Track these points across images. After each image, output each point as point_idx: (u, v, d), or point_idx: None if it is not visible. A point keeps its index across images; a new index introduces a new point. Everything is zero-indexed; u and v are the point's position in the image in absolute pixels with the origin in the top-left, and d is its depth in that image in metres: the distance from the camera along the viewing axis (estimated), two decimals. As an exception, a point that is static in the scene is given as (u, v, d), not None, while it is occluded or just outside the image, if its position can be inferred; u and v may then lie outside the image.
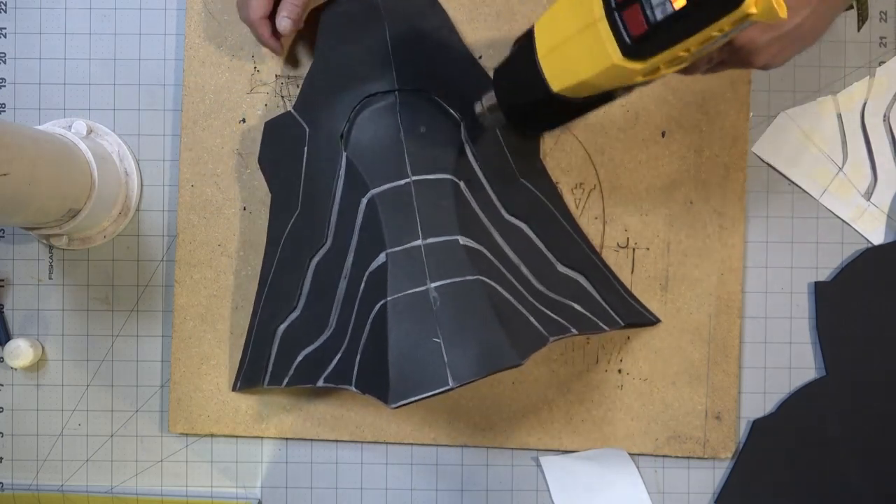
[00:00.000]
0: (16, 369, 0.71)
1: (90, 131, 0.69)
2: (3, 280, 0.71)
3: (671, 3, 0.44)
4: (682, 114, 0.70)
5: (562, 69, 0.50)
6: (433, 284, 0.59)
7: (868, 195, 0.71)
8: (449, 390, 0.56)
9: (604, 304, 0.66)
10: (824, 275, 0.71)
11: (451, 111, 0.64)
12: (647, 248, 0.70)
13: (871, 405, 0.69)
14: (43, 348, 0.71)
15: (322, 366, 0.64)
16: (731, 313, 0.70)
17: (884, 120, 0.70)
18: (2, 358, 0.71)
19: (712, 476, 0.71)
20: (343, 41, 0.66)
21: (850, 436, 0.69)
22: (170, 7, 0.71)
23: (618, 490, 0.69)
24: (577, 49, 0.48)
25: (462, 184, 0.63)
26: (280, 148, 0.68)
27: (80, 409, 0.71)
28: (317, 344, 0.65)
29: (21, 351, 0.69)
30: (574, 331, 0.63)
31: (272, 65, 0.70)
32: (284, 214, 0.67)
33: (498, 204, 0.65)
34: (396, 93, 0.63)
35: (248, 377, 0.67)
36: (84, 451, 0.71)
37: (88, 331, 0.71)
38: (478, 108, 0.59)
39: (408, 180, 0.61)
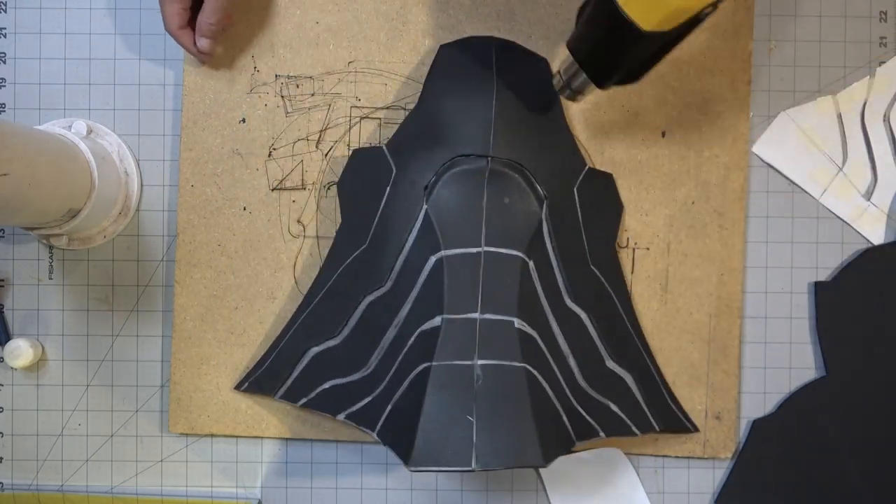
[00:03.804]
0: (16, 369, 0.71)
1: (90, 131, 0.69)
2: (3, 280, 0.71)
3: None
4: (682, 114, 0.70)
5: (649, 6, 0.51)
6: (480, 361, 0.59)
7: (868, 195, 0.71)
8: (470, 471, 0.56)
9: (644, 406, 0.66)
10: (824, 275, 0.71)
11: (539, 187, 0.64)
12: (647, 248, 0.70)
13: (871, 405, 0.69)
14: (43, 348, 0.71)
15: (347, 402, 0.64)
16: (731, 313, 0.70)
17: (884, 120, 0.70)
18: (2, 358, 0.71)
19: (712, 476, 0.71)
20: (450, 91, 0.66)
21: (850, 436, 0.69)
22: (170, 7, 0.71)
23: (616, 490, 0.69)
24: None
25: (531, 263, 0.63)
26: (363, 180, 0.68)
27: (80, 409, 0.71)
28: (348, 379, 0.65)
29: (21, 351, 0.69)
30: (602, 435, 0.64)
31: (272, 65, 0.70)
32: (350, 245, 0.67)
33: (563, 289, 0.65)
34: (489, 159, 0.63)
35: (260, 382, 0.68)
36: (84, 451, 0.71)
37: (88, 331, 0.71)
38: (556, 79, 0.59)
39: (479, 250, 0.61)
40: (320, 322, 0.67)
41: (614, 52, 0.55)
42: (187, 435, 0.71)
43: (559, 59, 0.58)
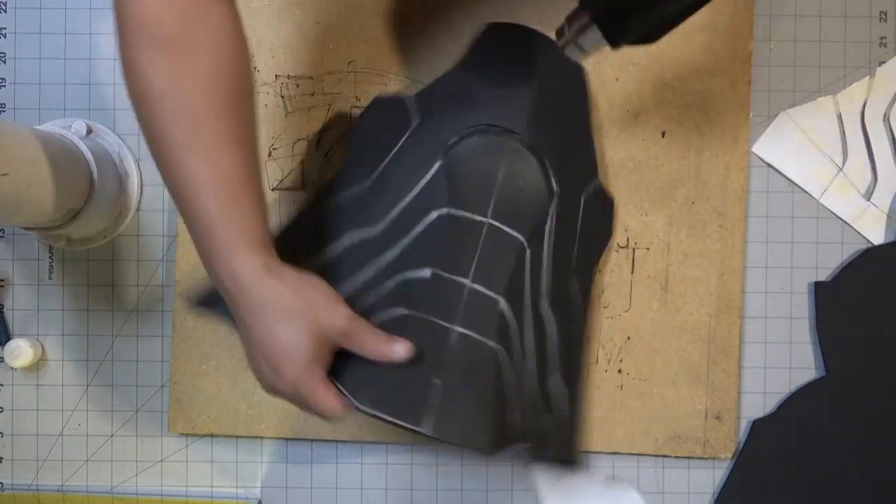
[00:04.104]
0: (16, 369, 0.71)
1: (90, 131, 0.69)
2: (3, 280, 0.71)
3: None
4: (682, 114, 0.70)
5: None
6: (459, 328, 0.59)
7: (868, 195, 0.71)
8: (416, 433, 0.55)
9: (569, 427, 0.65)
10: (824, 275, 0.71)
11: (553, 181, 0.64)
12: (647, 248, 0.70)
13: (871, 405, 0.69)
14: (43, 348, 0.71)
15: None
16: (731, 313, 0.70)
17: (884, 120, 0.70)
18: (2, 358, 0.71)
19: (712, 476, 0.71)
20: (494, 65, 0.66)
21: (850, 436, 0.69)
22: (170, 7, 0.71)
23: None
24: None
25: (529, 252, 0.63)
26: (377, 126, 0.67)
27: (80, 409, 0.71)
28: None
29: (21, 351, 0.69)
30: (529, 445, 0.61)
31: (272, 65, 0.70)
32: (347, 184, 0.65)
33: (544, 291, 0.64)
34: (518, 137, 0.64)
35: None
36: (84, 451, 0.71)
37: (88, 331, 0.71)
38: (564, 37, 0.51)
39: (485, 220, 0.61)
40: (294, 252, 0.61)
41: (640, 3, 0.47)
42: (187, 435, 0.71)
43: (564, 13, 0.51)
